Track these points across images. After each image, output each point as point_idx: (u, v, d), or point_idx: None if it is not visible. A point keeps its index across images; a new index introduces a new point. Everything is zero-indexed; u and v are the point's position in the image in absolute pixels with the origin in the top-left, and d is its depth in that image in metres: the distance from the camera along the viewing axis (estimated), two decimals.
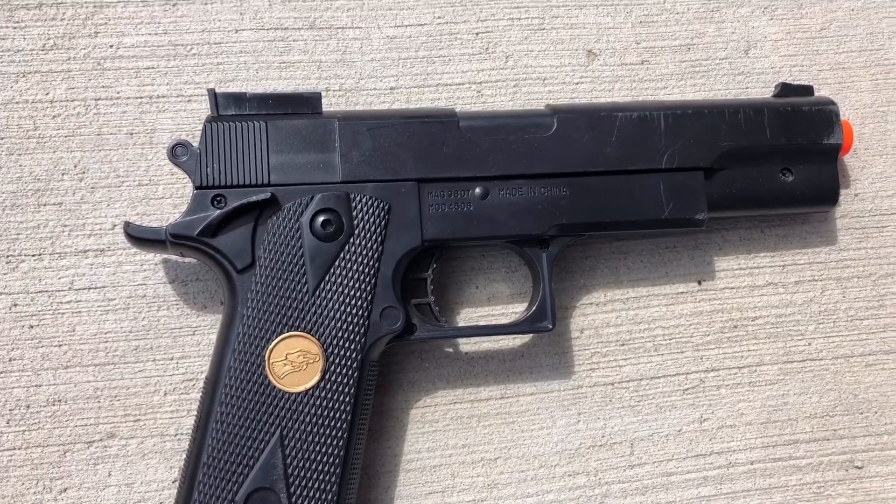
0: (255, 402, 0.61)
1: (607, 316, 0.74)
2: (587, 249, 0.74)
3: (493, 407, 0.72)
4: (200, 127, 0.70)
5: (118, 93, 0.72)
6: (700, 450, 0.73)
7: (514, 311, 0.73)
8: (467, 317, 0.72)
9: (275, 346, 0.62)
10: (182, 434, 0.68)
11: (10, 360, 0.68)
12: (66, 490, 0.67)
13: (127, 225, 0.64)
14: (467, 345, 0.72)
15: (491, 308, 0.73)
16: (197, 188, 0.64)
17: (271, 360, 0.62)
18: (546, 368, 0.72)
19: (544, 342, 0.73)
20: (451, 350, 0.72)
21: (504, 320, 0.72)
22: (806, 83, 0.76)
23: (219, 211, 0.63)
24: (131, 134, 0.71)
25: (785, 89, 0.74)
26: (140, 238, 0.64)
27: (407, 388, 0.71)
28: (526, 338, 0.73)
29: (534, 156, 0.67)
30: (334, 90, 0.74)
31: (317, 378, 0.62)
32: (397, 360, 0.71)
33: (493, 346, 0.72)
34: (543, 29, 0.77)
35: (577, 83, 0.77)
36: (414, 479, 0.70)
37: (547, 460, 0.71)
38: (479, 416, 0.71)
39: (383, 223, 0.65)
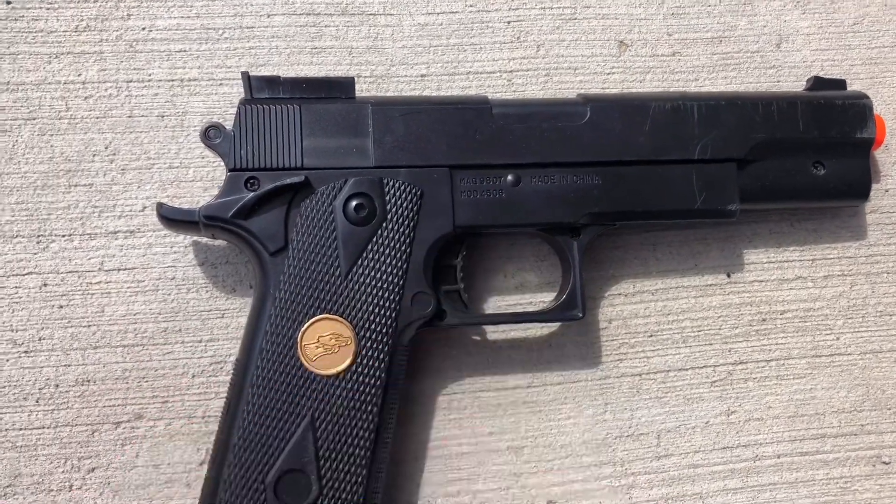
0: (286, 384, 0.61)
1: (636, 307, 0.73)
2: (616, 240, 0.74)
3: (521, 395, 0.71)
4: (231, 111, 0.70)
5: (150, 75, 0.72)
6: (727, 442, 0.73)
7: (542, 300, 0.72)
8: (495, 305, 0.72)
9: (307, 328, 0.62)
10: (210, 416, 0.68)
11: (39, 339, 0.68)
12: (94, 470, 0.67)
13: (160, 206, 0.64)
14: (495, 333, 0.72)
15: (519, 297, 0.73)
16: (230, 170, 0.64)
17: (303, 343, 0.62)
18: (573, 358, 0.72)
19: (572, 332, 0.72)
20: (478, 338, 0.72)
21: (532, 309, 0.71)
22: (838, 77, 0.76)
23: (252, 193, 0.63)
24: (162, 116, 0.71)
25: (817, 83, 0.74)
26: (173, 219, 0.64)
27: (434, 375, 0.71)
28: (553, 327, 0.72)
29: (567, 144, 0.67)
30: (365, 76, 0.74)
31: (349, 361, 0.62)
32: (424, 346, 0.71)
33: (520, 335, 0.72)
34: (575, 18, 0.77)
35: (608, 73, 0.76)
36: (440, 466, 0.70)
37: (573, 450, 0.71)
38: (506, 405, 0.71)
39: (416, 208, 0.65)
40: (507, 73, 0.75)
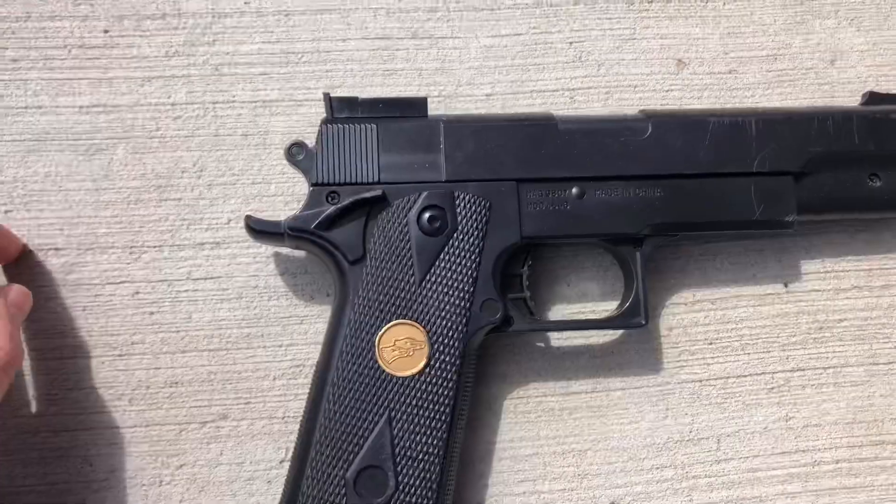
0: (365, 384, 0.65)
1: (696, 315, 0.76)
2: (677, 251, 0.77)
3: (584, 400, 0.74)
4: (310, 129, 0.75)
5: (234, 97, 0.77)
6: (786, 447, 0.74)
7: (605, 309, 0.75)
8: (558, 313, 0.75)
9: (384, 332, 0.66)
10: (289, 417, 0.72)
11: (132, 343, 0.72)
12: (181, 466, 0.71)
13: (248, 218, 0.68)
14: (558, 340, 0.75)
15: (581, 305, 0.76)
16: (313, 185, 0.68)
17: (381, 346, 0.65)
18: (635, 365, 0.75)
19: (634, 339, 0.75)
20: (542, 344, 0.75)
21: (594, 317, 0.74)
22: (893, 92, 0.78)
23: (334, 206, 0.67)
24: (246, 135, 0.76)
25: (873, 98, 0.76)
26: (260, 230, 0.68)
27: (500, 381, 0.74)
28: (616, 334, 0.75)
29: (629, 158, 0.70)
30: (434, 96, 0.78)
31: (422, 364, 0.66)
32: (491, 352, 0.74)
33: (583, 342, 0.75)
34: (634, 38, 0.80)
35: (667, 91, 0.79)
36: (507, 467, 0.73)
37: (635, 453, 0.74)
38: (570, 409, 0.74)
39: (485, 220, 0.69)
40: (570, 91, 0.79)
